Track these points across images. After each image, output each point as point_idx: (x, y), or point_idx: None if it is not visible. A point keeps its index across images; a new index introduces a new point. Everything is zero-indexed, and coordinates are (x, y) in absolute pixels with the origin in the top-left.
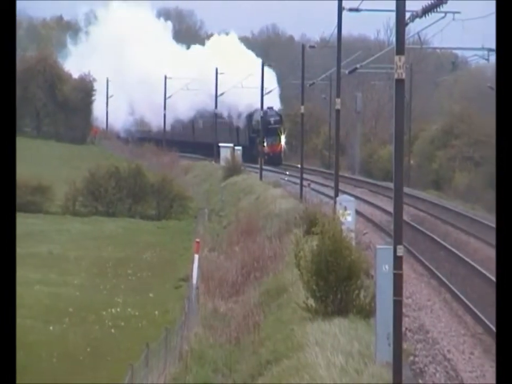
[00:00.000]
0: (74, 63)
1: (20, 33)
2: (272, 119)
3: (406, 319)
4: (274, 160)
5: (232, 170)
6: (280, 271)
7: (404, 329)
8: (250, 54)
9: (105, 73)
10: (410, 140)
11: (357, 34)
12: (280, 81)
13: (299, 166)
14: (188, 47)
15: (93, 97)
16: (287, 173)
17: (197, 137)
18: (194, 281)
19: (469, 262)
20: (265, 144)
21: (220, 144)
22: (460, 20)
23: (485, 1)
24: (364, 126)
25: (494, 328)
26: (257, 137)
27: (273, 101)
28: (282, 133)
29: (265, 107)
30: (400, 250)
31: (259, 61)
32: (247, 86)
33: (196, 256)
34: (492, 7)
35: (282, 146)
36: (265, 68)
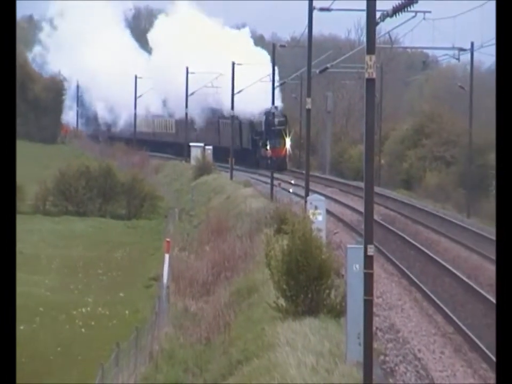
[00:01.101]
0: (44, 63)
1: None
2: (276, 120)
3: (376, 318)
4: (278, 165)
5: (202, 169)
6: (250, 271)
7: (374, 328)
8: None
9: (75, 72)
10: (381, 139)
11: (328, 33)
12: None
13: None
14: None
15: (63, 97)
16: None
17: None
18: (164, 280)
19: (439, 261)
20: (268, 147)
21: (191, 144)
22: (430, 19)
23: (455, 1)
24: (334, 126)
25: (464, 327)
26: (260, 140)
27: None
28: (288, 135)
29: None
30: (371, 250)
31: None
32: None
33: (167, 256)
34: (462, 6)
35: (288, 149)
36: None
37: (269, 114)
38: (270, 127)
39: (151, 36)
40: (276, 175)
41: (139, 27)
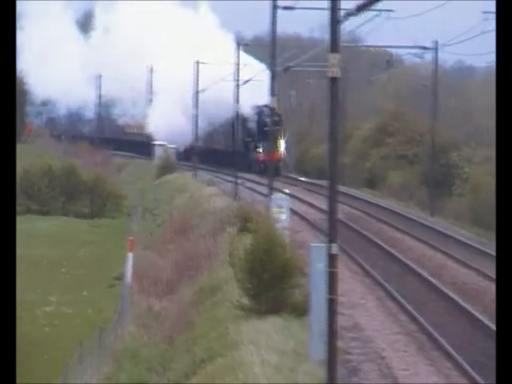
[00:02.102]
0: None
1: None
2: (268, 120)
3: (340, 317)
4: (272, 170)
5: (166, 168)
6: (214, 270)
7: (338, 327)
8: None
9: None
10: (345, 138)
11: (291, 32)
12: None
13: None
14: None
15: (26, 96)
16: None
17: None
18: (128, 279)
19: (403, 260)
20: (260, 150)
21: (154, 143)
22: (393, 18)
23: (419, 0)
24: (298, 125)
25: (427, 326)
26: (252, 142)
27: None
28: (282, 137)
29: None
30: (334, 249)
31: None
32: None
33: (130, 255)
34: (425, 5)
35: (282, 152)
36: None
37: (261, 113)
38: (263, 127)
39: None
40: (240, 173)
41: (93, 23)
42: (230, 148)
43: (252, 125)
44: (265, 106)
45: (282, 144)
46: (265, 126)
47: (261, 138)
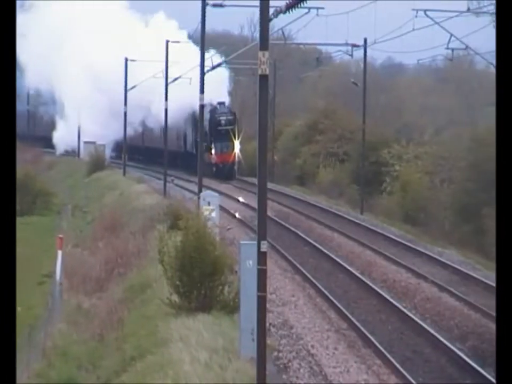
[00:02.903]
0: None
1: None
2: (222, 119)
3: (270, 314)
4: (226, 172)
5: (96, 166)
6: (144, 267)
7: (268, 324)
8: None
9: None
10: (275, 135)
11: (221, 30)
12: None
13: None
14: None
15: None
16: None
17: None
18: (57, 277)
19: (333, 258)
20: (213, 151)
21: (84, 140)
22: (323, 15)
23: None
24: None
25: (357, 323)
26: (204, 142)
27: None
28: (237, 137)
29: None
30: (264, 246)
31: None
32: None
33: (59, 252)
34: (355, 3)
35: (237, 154)
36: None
37: (214, 111)
38: (216, 127)
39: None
40: (170, 171)
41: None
42: (181, 148)
43: (204, 123)
44: (220, 103)
45: (237, 145)
46: (219, 125)
47: (214, 139)
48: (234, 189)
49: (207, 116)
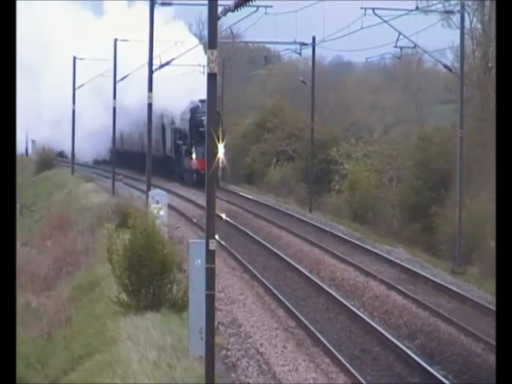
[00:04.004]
0: None
1: None
2: (205, 119)
3: (218, 313)
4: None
5: (44, 164)
6: (92, 266)
7: (216, 323)
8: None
9: None
10: (223, 133)
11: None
12: None
13: None
14: None
15: None
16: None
17: None
18: None
19: (282, 256)
20: (194, 156)
21: (32, 139)
22: (272, 14)
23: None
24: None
25: (305, 322)
26: (184, 146)
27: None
28: (220, 140)
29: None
30: (213, 244)
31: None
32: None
33: None
34: (303, 2)
35: (221, 159)
36: None
37: (195, 110)
38: (197, 128)
39: None
40: (118, 170)
41: None
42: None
43: (184, 124)
44: (202, 101)
45: (221, 149)
46: (201, 126)
47: (194, 141)
48: (182, 187)
49: (187, 115)
